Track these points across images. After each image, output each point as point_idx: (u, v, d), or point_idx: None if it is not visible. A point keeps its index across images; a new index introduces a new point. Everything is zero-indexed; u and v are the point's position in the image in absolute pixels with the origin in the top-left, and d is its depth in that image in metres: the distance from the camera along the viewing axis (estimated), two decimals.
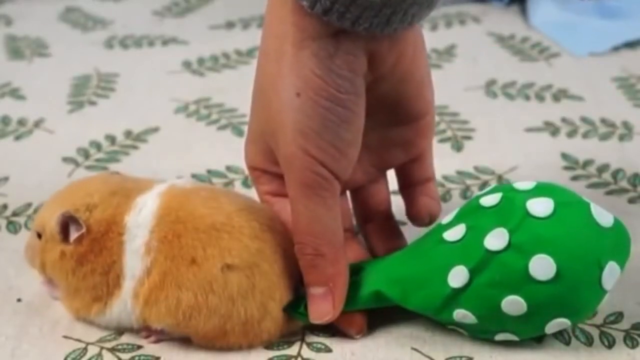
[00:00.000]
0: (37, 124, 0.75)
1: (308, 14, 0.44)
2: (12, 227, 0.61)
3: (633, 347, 0.49)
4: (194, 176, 0.66)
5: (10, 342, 0.50)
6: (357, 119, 0.46)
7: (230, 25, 0.94)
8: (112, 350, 0.49)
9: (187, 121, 0.75)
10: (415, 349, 0.49)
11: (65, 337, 0.50)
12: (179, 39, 0.91)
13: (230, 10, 0.98)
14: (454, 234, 0.48)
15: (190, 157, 0.69)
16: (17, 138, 0.73)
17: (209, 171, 0.67)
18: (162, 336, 0.49)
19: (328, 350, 0.49)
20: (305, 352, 0.49)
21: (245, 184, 0.65)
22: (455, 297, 0.47)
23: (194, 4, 1.01)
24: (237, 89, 0.79)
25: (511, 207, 0.46)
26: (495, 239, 0.46)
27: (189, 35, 0.92)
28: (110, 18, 0.97)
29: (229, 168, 0.67)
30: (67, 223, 0.48)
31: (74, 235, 0.48)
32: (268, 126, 0.48)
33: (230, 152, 0.68)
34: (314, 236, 0.47)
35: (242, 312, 0.47)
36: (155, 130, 0.73)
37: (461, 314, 0.47)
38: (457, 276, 0.46)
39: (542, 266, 0.45)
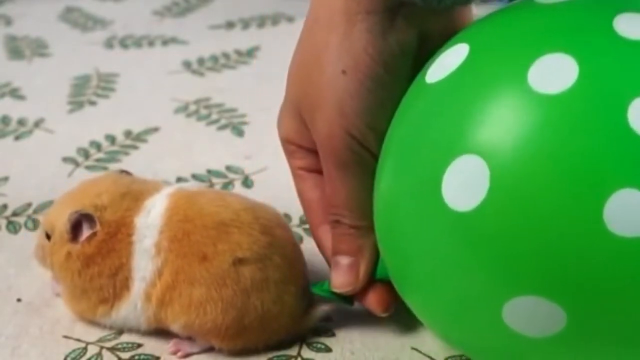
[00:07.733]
0: (37, 124, 0.75)
1: None
2: (12, 227, 0.61)
3: None
4: (194, 176, 0.66)
5: (10, 342, 0.50)
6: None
7: (230, 25, 0.94)
8: (112, 349, 0.49)
9: (187, 121, 0.75)
10: (415, 349, 0.49)
11: (65, 337, 0.50)
12: (179, 39, 0.91)
13: (230, 10, 0.98)
14: None
15: (190, 157, 0.69)
16: (17, 138, 0.73)
17: (209, 171, 0.67)
18: (189, 350, 0.49)
19: (328, 350, 0.49)
20: (305, 352, 0.49)
21: (245, 184, 0.65)
22: None
23: (194, 4, 1.01)
24: (237, 89, 0.79)
25: None
26: None
27: (189, 35, 0.92)
28: (110, 18, 0.97)
29: (229, 168, 0.67)
30: (79, 222, 0.48)
31: (86, 233, 0.47)
32: (305, 100, 0.46)
33: (230, 152, 0.68)
34: (351, 210, 0.46)
35: (259, 305, 0.47)
36: (155, 130, 0.73)
37: None
38: None
39: None
